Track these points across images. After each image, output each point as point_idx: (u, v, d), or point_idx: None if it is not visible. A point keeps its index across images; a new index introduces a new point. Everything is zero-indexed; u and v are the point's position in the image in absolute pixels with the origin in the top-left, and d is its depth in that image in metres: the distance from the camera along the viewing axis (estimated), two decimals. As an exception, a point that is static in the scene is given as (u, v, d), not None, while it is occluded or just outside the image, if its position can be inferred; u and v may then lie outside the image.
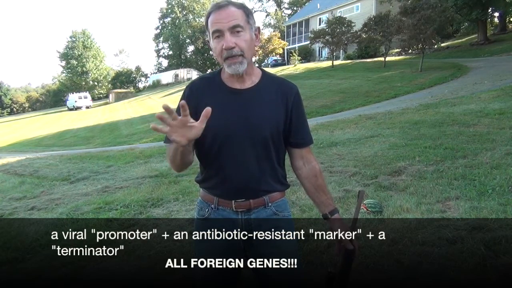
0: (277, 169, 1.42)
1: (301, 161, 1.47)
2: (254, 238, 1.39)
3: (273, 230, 1.40)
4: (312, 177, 1.47)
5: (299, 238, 2.92)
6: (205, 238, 1.41)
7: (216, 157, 1.25)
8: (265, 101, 1.36)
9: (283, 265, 1.39)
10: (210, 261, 1.40)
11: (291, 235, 1.45)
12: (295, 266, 1.44)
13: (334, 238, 1.46)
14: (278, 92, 1.40)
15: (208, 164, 1.33)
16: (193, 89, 1.37)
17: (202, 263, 1.42)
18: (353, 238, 1.41)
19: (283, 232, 1.42)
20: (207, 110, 1.14)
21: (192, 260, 1.49)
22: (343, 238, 1.41)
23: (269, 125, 1.34)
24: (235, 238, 1.39)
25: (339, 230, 1.43)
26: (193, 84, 1.41)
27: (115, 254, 3.43)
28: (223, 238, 1.39)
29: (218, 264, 1.40)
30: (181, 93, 1.45)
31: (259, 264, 1.40)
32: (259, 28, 1.40)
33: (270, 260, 1.39)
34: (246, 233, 1.38)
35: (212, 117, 1.24)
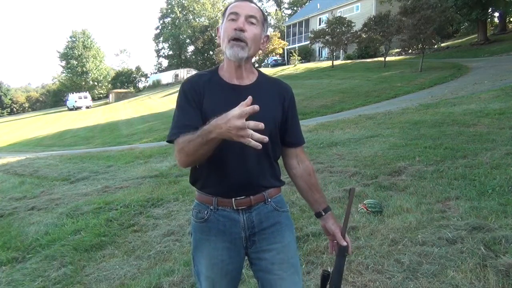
0: (274, 166, 1.44)
1: (295, 160, 1.50)
2: (256, 235, 1.39)
3: (274, 226, 1.41)
4: (306, 175, 1.49)
5: (299, 238, 2.92)
6: (206, 240, 1.40)
7: (216, 153, 1.24)
8: (264, 99, 1.37)
9: (285, 263, 1.39)
10: (213, 263, 1.39)
11: (291, 230, 1.47)
12: (296, 261, 1.45)
13: (328, 235, 1.49)
14: (275, 92, 1.42)
15: (208, 160, 1.31)
16: (194, 85, 1.36)
17: (204, 265, 1.41)
18: (346, 235, 1.42)
19: (284, 228, 1.43)
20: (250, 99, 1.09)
21: (193, 263, 1.48)
22: (336, 235, 1.42)
23: (268, 122, 1.34)
24: (237, 237, 1.38)
25: (332, 227, 1.45)
26: (192, 81, 1.39)
27: (115, 254, 3.45)
28: (225, 238, 1.38)
29: (222, 265, 1.39)
30: None
31: (262, 261, 1.40)
32: (268, 36, 1.45)
33: (273, 256, 1.39)
34: (248, 231, 1.38)
35: (215, 112, 1.24)
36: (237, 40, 1.29)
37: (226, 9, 1.36)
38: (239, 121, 1.03)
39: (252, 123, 1.03)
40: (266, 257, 1.39)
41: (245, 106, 1.04)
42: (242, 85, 1.37)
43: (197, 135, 1.17)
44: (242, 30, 1.29)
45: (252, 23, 1.31)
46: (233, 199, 1.36)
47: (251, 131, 1.03)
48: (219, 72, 1.39)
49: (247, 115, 1.03)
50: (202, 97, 1.33)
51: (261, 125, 1.03)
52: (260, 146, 1.04)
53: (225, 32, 1.32)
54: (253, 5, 1.35)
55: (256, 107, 1.03)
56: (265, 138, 1.04)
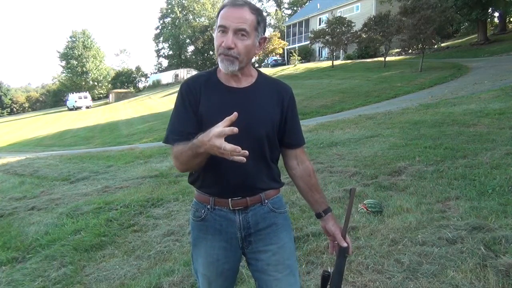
0: (272, 167, 1.43)
1: (295, 161, 1.49)
2: (252, 236, 1.39)
3: (270, 227, 1.41)
4: (306, 176, 1.48)
5: (299, 238, 2.92)
6: (203, 239, 1.41)
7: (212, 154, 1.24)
8: (262, 101, 1.37)
9: (280, 265, 1.39)
10: (209, 261, 1.40)
11: (288, 231, 1.46)
12: (292, 262, 1.44)
13: (328, 236, 1.49)
14: (274, 93, 1.41)
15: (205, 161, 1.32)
16: (191, 88, 1.37)
17: (201, 263, 1.42)
18: (346, 235, 1.42)
19: (280, 229, 1.43)
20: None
21: (192, 260, 1.49)
22: (337, 236, 1.42)
23: (265, 124, 1.35)
24: (233, 237, 1.39)
25: (332, 228, 1.44)
26: (190, 82, 1.40)
27: (115, 254, 3.44)
28: (221, 238, 1.39)
29: (217, 264, 1.39)
30: None
31: (258, 262, 1.40)
32: (266, 38, 1.40)
33: (269, 257, 1.39)
34: (244, 232, 1.38)
35: (210, 115, 1.25)
36: (226, 55, 1.28)
37: (219, 12, 1.33)
38: (218, 140, 1.09)
39: (228, 146, 1.08)
40: (262, 258, 1.40)
41: (229, 122, 1.09)
42: (239, 87, 1.36)
43: (188, 147, 1.19)
44: (230, 49, 1.26)
45: (243, 35, 1.27)
46: (229, 199, 1.36)
47: (229, 151, 1.08)
48: (217, 74, 1.39)
49: (225, 135, 1.08)
50: (199, 98, 1.34)
51: (238, 148, 1.07)
52: (244, 160, 1.09)
53: (216, 42, 1.30)
54: (244, 10, 1.28)
55: (235, 129, 1.08)
56: (246, 152, 1.08)
